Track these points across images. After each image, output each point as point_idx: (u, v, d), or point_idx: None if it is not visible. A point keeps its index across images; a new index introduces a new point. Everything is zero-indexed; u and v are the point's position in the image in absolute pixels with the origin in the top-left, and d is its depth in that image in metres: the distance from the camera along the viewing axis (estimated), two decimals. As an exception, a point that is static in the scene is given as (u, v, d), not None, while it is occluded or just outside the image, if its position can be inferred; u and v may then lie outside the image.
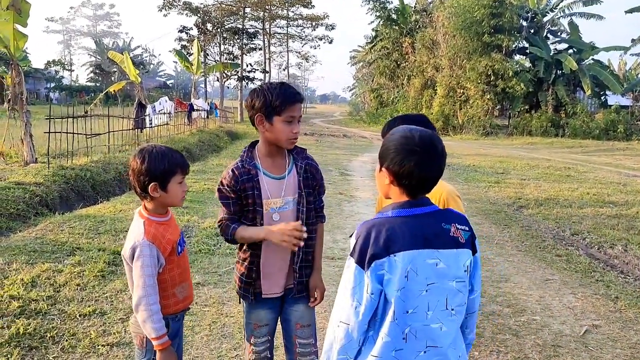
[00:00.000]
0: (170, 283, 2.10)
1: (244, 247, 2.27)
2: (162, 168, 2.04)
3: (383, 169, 1.62)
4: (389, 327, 1.54)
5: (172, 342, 2.07)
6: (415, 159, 1.54)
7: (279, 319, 2.40)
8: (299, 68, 71.49)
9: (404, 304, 1.52)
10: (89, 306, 3.85)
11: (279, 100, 2.13)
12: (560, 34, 34.53)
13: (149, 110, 16.79)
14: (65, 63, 66.89)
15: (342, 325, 1.55)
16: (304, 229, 2.11)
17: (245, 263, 2.27)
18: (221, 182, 2.23)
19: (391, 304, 1.52)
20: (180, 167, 2.10)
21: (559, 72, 30.92)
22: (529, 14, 32.77)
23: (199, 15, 39.81)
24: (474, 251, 1.64)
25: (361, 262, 1.53)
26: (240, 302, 2.41)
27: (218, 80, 41.07)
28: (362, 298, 1.52)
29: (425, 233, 1.54)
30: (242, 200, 2.21)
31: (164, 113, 18.23)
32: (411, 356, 1.55)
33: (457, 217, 1.64)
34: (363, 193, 9.70)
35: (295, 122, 2.19)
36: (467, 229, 1.63)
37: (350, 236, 1.63)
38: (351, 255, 1.57)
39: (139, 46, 78.52)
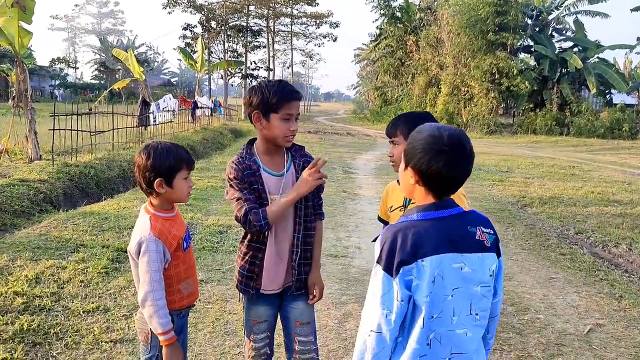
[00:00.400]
0: (175, 279, 2.11)
1: (247, 242, 2.27)
2: (167, 164, 2.04)
3: (409, 168, 1.55)
4: (419, 333, 1.49)
5: (177, 338, 2.07)
6: (444, 159, 1.48)
7: (279, 317, 2.40)
8: (303, 66, 71.50)
9: (429, 309, 1.48)
10: (93, 303, 3.87)
11: (276, 97, 2.13)
12: (566, 32, 34.32)
13: (153, 107, 16.81)
14: (70, 60, 67.00)
15: (373, 334, 1.49)
16: (318, 156, 2.18)
17: (247, 257, 2.26)
18: (229, 177, 2.22)
19: (421, 309, 1.48)
20: (185, 163, 2.10)
21: (563, 70, 30.74)
22: (534, 12, 32.60)
23: (203, 12, 39.86)
24: (498, 254, 1.60)
25: (389, 269, 1.47)
26: (240, 300, 2.41)
27: (222, 78, 41.17)
28: (392, 305, 1.47)
29: (450, 236, 1.50)
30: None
31: (168, 111, 18.25)
32: None
33: (481, 220, 1.59)
34: (367, 191, 9.69)
35: (293, 119, 2.18)
36: (492, 232, 1.58)
37: (374, 241, 1.58)
38: (378, 262, 1.51)
39: (143, 44, 78.79)
